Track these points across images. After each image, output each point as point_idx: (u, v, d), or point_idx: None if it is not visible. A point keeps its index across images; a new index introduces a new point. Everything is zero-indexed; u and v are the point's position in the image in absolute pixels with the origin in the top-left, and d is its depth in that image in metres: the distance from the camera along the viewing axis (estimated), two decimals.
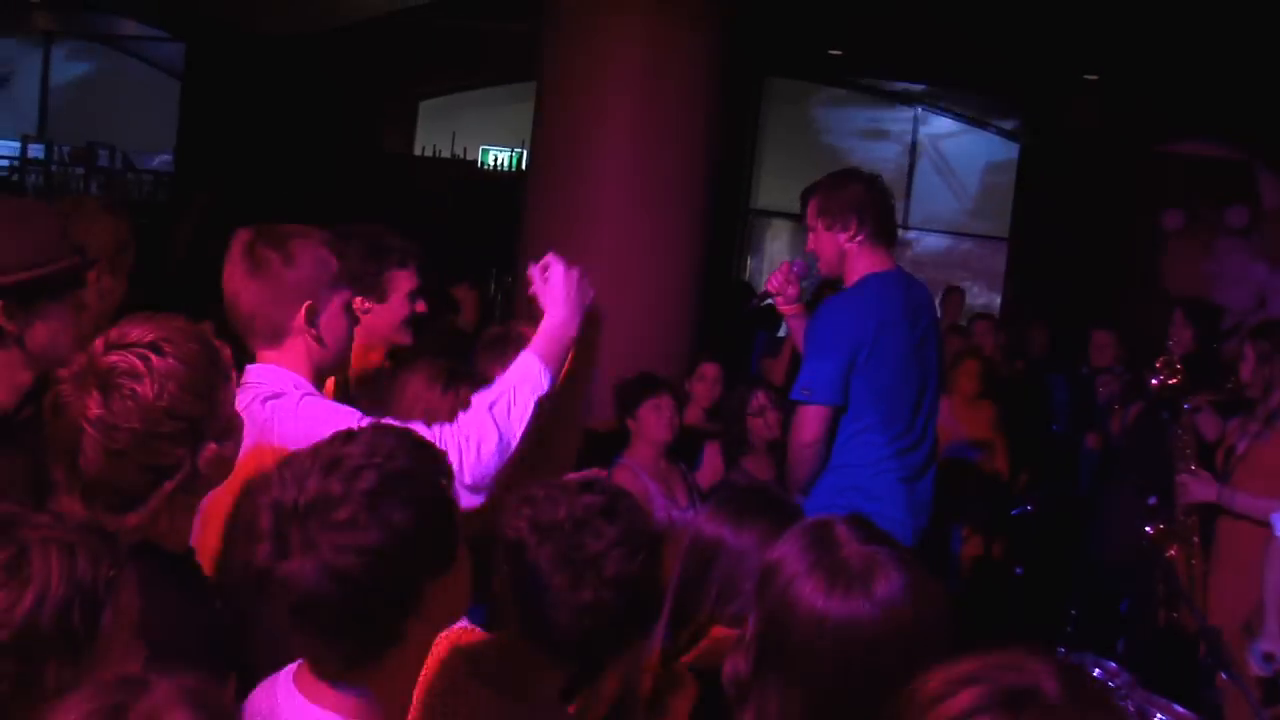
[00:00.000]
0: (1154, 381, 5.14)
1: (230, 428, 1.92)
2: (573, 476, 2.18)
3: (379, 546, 1.49)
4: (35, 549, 1.40)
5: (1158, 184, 10.50)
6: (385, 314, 3.08)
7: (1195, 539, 4.79)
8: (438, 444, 2.18)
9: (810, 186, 4.03)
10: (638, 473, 4.64)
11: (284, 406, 2.37)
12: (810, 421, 3.78)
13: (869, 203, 3.92)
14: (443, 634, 1.89)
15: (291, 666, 1.65)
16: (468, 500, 2.29)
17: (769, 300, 4.18)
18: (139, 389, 1.77)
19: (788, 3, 9.51)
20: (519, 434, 2.41)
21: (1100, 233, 11.33)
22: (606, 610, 1.84)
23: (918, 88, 13.17)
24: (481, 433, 2.38)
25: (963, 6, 9.62)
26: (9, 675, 1.37)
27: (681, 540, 2.46)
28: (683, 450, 4.98)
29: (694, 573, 2.37)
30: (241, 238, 2.49)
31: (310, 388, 2.47)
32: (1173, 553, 4.79)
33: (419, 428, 2.33)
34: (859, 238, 3.87)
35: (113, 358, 1.79)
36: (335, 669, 1.56)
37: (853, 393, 3.79)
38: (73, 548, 1.43)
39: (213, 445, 1.85)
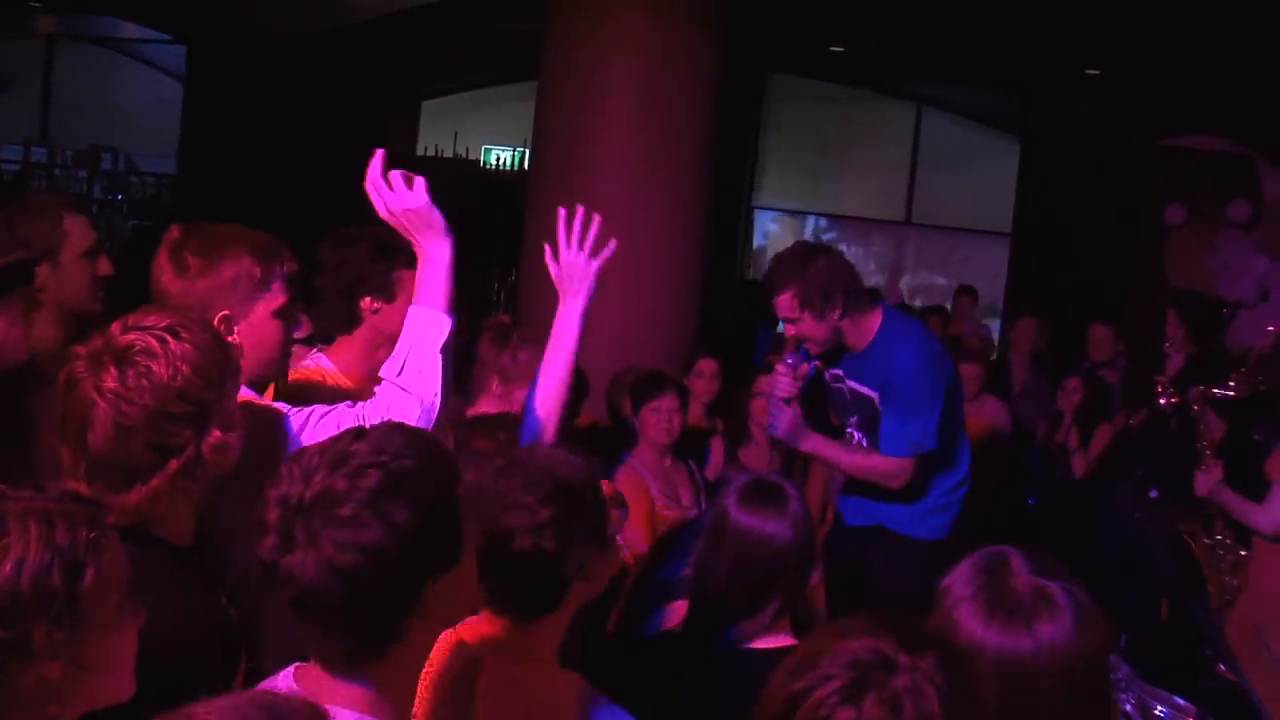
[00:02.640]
0: (1161, 403, 5.20)
1: (235, 420, 1.97)
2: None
3: (380, 545, 1.50)
4: (13, 520, 1.44)
5: (1160, 178, 10.48)
6: (394, 313, 3.05)
7: (1220, 535, 4.80)
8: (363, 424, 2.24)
9: (772, 278, 4.00)
10: (640, 471, 4.65)
11: None
12: (909, 472, 3.96)
13: (841, 273, 3.94)
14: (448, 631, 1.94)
15: (289, 669, 1.66)
16: None
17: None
18: (154, 367, 1.83)
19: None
20: (437, 389, 2.40)
21: (1102, 227, 11.32)
22: (548, 556, 2.01)
23: (919, 83, 13.16)
24: (397, 404, 2.37)
25: (965, 2, 9.62)
26: None
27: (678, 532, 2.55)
28: (687, 447, 4.99)
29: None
30: (170, 236, 2.47)
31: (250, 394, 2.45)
32: (1193, 543, 4.82)
33: (343, 409, 2.35)
34: (849, 311, 3.92)
35: (131, 336, 1.86)
36: (339, 662, 1.58)
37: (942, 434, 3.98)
38: (50, 515, 1.46)
39: (218, 432, 1.90)
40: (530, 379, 3.75)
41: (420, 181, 2.57)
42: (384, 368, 2.45)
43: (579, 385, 5.04)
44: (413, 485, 1.55)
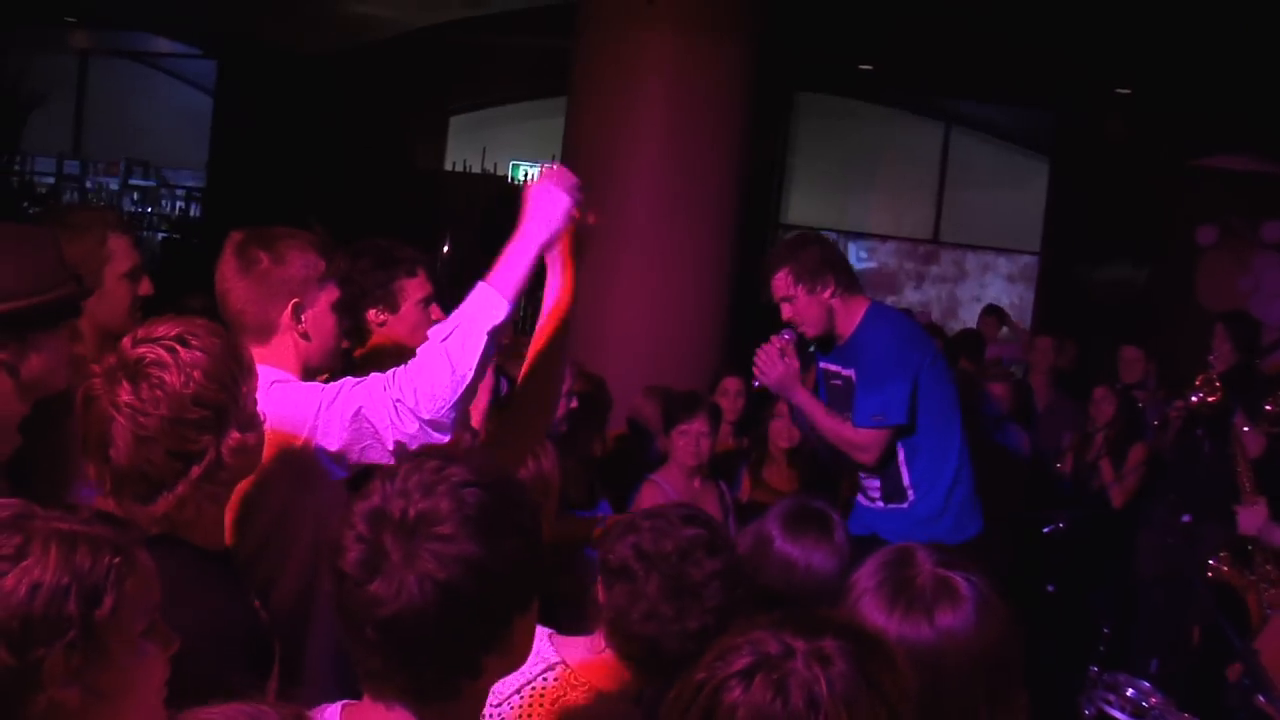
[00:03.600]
0: (1194, 399, 5.08)
1: (253, 419, 2.00)
2: (672, 506, 2.23)
3: (485, 562, 1.47)
4: (36, 541, 1.41)
5: (1191, 198, 10.41)
6: (399, 324, 3.14)
7: (1268, 566, 4.67)
8: (393, 384, 2.30)
9: (767, 264, 4.28)
10: (666, 490, 4.65)
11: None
12: (877, 445, 4.05)
13: (835, 255, 4.26)
14: (535, 690, 1.99)
15: (335, 706, 1.61)
16: (432, 438, 2.31)
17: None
18: (166, 378, 1.87)
19: (819, 17, 9.51)
20: (473, 365, 2.37)
21: (1133, 248, 11.25)
22: (709, 636, 1.90)
23: (948, 102, 13.12)
24: (433, 364, 2.36)
25: (994, 21, 9.60)
26: (4, 661, 1.37)
27: None
28: (717, 468, 4.98)
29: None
30: (234, 238, 2.57)
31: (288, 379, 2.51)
32: (1233, 578, 4.70)
33: (375, 379, 2.36)
34: (839, 290, 4.10)
35: (141, 350, 1.90)
36: (410, 698, 1.51)
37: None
38: (74, 538, 1.42)
39: (236, 434, 1.93)
40: None
41: (564, 171, 2.73)
42: (432, 330, 2.45)
43: (601, 399, 5.05)
44: (512, 510, 1.53)
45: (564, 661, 2.04)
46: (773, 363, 4.12)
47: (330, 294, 2.60)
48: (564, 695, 2.00)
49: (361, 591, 1.46)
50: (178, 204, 13.87)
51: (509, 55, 12.62)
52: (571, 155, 6.94)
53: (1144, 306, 10.36)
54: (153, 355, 1.88)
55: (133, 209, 13.59)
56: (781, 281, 4.12)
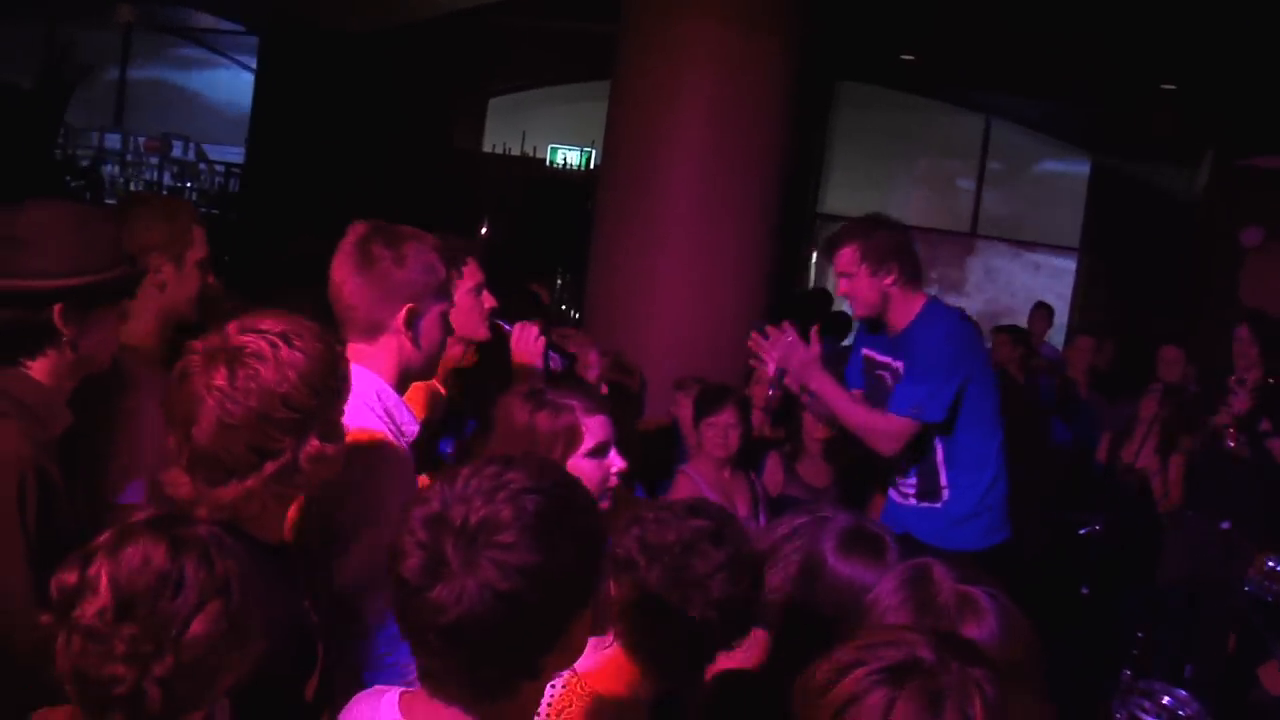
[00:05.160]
0: (1230, 445, 5.04)
1: (337, 432, 2.00)
2: (678, 499, 2.24)
3: (545, 570, 1.47)
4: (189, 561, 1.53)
5: (1236, 198, 10.29)
6: (453, 314, 3.11)
7: None
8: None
9: (838, 235, 4.18)
10: (697, 482, 4.64)
11: None
12: (903, 436, 3.99)
13: (906, 244, 4.15)
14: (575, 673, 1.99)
15: (392, 691, 1.64)
16: None
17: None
18: (263, 371, 1.88)
19: (861, 7, 9.44)
20: None
21: (1175, 247, 11.13)
22: (712, 628, 1.95)
23: (989, 94, 13.02)
24: None
25: (1037, 12, 9.49)
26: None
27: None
28: (747, 458, 4.96)
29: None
30: (357, 230, 2.54)
31: (388, 391, 2.51)
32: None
33: None
34: (901, 280, 4.06)
35: (245, 338, 1.90)
36: (469, 697, 1.53)
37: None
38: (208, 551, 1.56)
39: (316, 442, 1.93)
40: (584, 372, 3.77)
41: None
42: None
43: (634, 389, 5.04)
44: (571, 516, 1.53)
45: (572, 669, 2.03)
46: (793, 347, 4.07)
47: (444, 305, 2.59)
48: (569, 706, 1.99)
49: (422, 598, 1.47)
50: (217, 180, 13.94)
51: (549, 38, 12.62)
52: (613, 140, 6.93)
53: (1185, 307, 10.25)
54: (254, 346, 1.89)
55: (172, 184, 13.67)
56: (846, 256, 4.07)
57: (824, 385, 4.11)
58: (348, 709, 1.70)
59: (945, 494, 4.11)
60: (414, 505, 1.53)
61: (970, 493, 4.10)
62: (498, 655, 1.49)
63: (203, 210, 13.31)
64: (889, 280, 4.04)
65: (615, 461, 2.70)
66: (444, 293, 2.59)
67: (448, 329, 2.64)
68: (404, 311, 2.49)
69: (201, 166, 14.11)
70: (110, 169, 13.54)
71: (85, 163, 12.57)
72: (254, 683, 1.58)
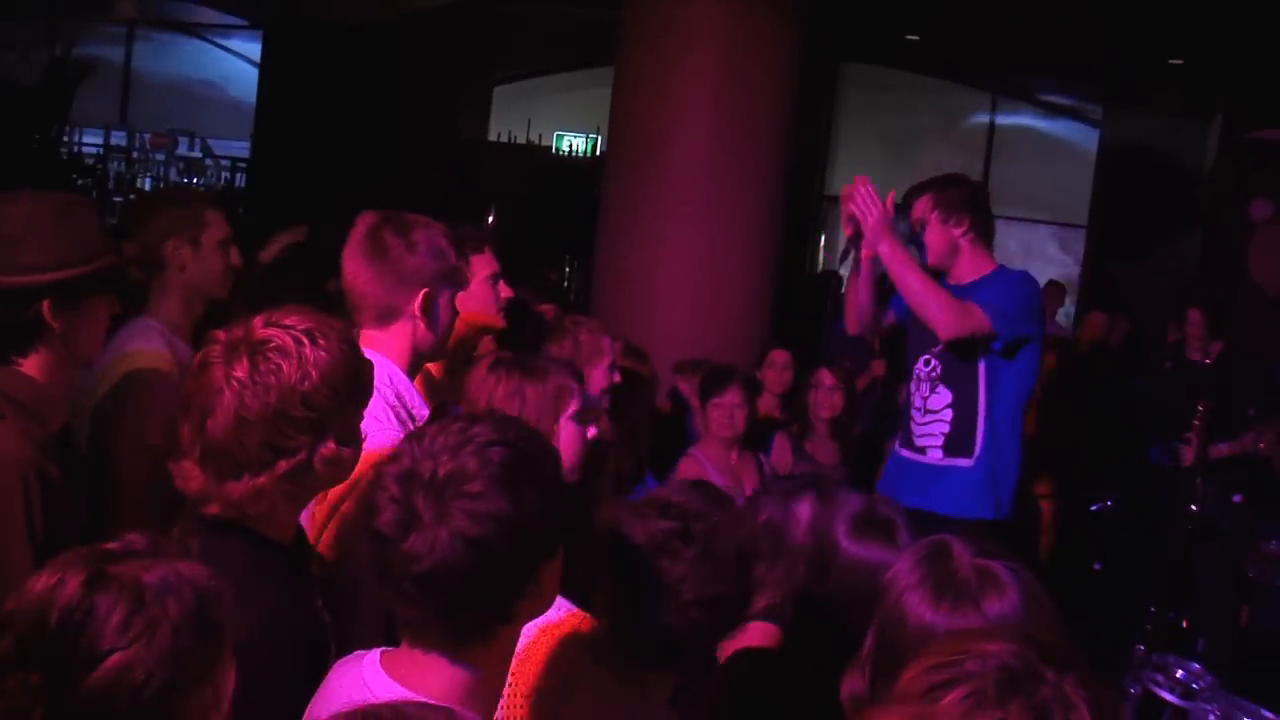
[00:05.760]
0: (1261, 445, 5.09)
1: (354, 436, 1.95)
2: (659, 493, 2.17)
3: (513, 517, 1.55)
4: (150, 596, 1.39)
5: (1244, 172, 10.24)
6: (468, 300, 3.10)
7: None
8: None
9: (918, 186, 4.23)
10: (704, 464, 4.66)
11: None
12: (971, 326, 3.91)
13: (981, 202, 4.22)
14: (549, 622, 1.96)
15: (373, 653, 1.69)
16: None
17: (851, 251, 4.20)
18: (285, 366, 1.84)
19: None
20: None
21: (1183, 222, 11.08)
22: (696, 627, 1.91)
23: (995, 72, 12.96)
24: None
25: None
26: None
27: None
28: (756, 439, 4.97)
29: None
30: (367, 219, 2.58)
31: (400, 375, 2.54)
32: None
33: None
34: (972, 234, 4.11)
35: (270, 332, 1.87)
36: (449, 643, 1.60)
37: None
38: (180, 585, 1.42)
39: (333, 444, 1.89)
40: (598, 358, 3.75)
41: None
42: None
43: (645, 374, 5.04)
44: (535, 465, 1.61)
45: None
46: (873, 201, 4.03)
47: (454, 289, 2.64)
48: (539, 652, 1.97)
49: (397, 549, 1.54)
50: (223, 175, 13.95)
51: (553, 25, 12.60)
52: (618, 126, 6.92)
53: (1194, 282, 10.21)
54: (278, 341, 1.85)
55: (178, 179, 13.68)
56: (921, 205, 4.15)
57: (896, 249, 4.01)
58: (328, 680, 1.71)
59: (978, 448, 4.01)
60: (386, 464, 1.60)
61: (999, 458, 4.02)
62: (472, 601, 1.56)
63: None
64: (959, 231, 4.10)
65: (590, 429, 2.76)
66: (455, 277, 2.64)
67: (455, 312, 2.68)
68: (420, 297, 2.54)
69: (208, 162, 14.11)
70: (116, 166, 13.55)
71: (91, 160, 12.59)
72: (259, 685, 1.56)
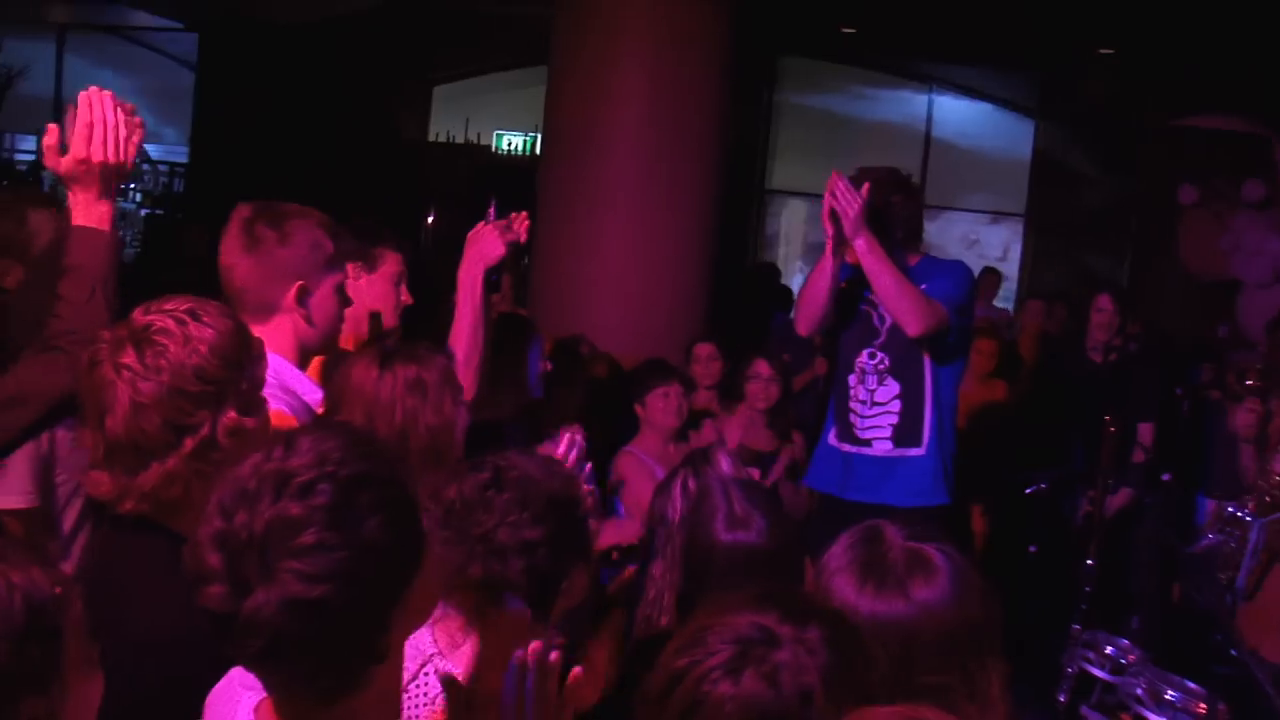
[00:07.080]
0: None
1: (255, 404, 1.97)
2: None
3: (352, 568, 1.33)
4: None
5: (1174, 158, 10.43)
6: (371, 287, 3.20)
7: None
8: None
9: (864, 173, 4.19)
10: (643, 459, 4.66)
11: None
12: (939, 321, 3.97)
13: (913, 215, 4.25)
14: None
15: (249, 697, 1.52)
16: None
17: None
18: (171, 346, 1.85)
19: None
20: None
21: (1116, 208, 11.26)
22: (535, 571, 1.87)
23: (931, 65, 13.10)
24: None
25: None
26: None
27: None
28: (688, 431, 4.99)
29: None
30: (241, 213, 2.54)
31: (286, 366, 2.51)
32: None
33: None
34: (902, 243, 4.15)
35: (150, 318, 1.89)
36: (322, 700, 1.41)
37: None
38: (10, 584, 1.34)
39: (234, 414, 1.90)
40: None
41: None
42: None
43: (576, 361, 5.03)
44: (370, 489, 1.38)
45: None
46: (852, 196, 3.98)
47: (336, 277, 2.59)
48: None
49: (232, 625, 1.33)
50: (161, 179, 13.80)
51: (492, 24, 12.56)
52: (553, 122, 6.93)
53: (1127, 267, 10.39)
54: (160, 324, 1.87)
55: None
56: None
57: (873, 245, 4.00)
58: (210, 699, 1.60)
59: (926, 436, 4.06)
60: (199, 525, 1.37)
61: (944, 443, 4.07)
62: (326, 663, 1.36)
63: (147, 211, 13.24)
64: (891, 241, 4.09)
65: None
66: (334, 265, 2.58)
67: (344, 300, 2.64)
68: (294, 290, 2.50)
69: (145, 167, 13.95)
70: (50, 173, 13.38)
71: (23, 167, 12.42)
72: (165, 681, 1.54)
